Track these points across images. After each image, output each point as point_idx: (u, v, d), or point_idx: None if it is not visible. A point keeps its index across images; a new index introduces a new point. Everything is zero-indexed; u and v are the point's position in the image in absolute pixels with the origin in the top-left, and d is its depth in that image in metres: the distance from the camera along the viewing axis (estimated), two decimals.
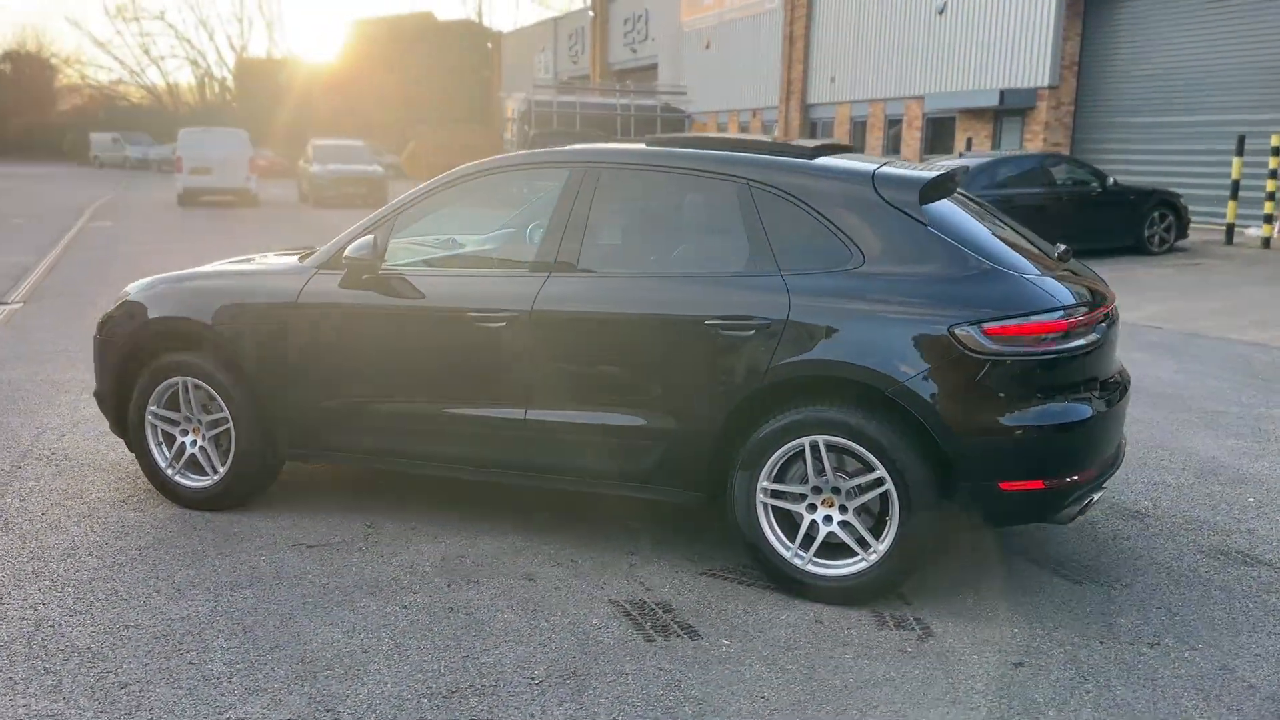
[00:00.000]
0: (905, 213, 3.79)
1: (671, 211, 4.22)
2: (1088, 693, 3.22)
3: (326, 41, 64.46)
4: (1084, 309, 3.76)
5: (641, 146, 4.28)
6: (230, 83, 68.57)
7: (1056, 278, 3.87)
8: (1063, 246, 4.31)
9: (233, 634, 3.48)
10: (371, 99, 51.70)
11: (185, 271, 4.91)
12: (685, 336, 3.87)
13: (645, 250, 4.15)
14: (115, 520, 4.51)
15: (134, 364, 4.74)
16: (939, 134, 24.27)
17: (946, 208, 3.94)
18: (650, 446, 3.97)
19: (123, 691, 3.11)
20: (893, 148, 25.69)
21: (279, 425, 4.50)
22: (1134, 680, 3.30)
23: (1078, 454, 3.70)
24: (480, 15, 70.45)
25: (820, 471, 3.77)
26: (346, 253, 4.29)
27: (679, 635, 3.54)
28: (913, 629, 3.62)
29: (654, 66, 38.16)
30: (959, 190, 4.33)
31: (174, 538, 4.34)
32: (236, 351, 4.49)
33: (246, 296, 4.54)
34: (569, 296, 4.04)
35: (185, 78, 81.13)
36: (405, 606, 3.71)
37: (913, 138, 24.89)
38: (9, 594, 3.76)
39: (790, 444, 3.76)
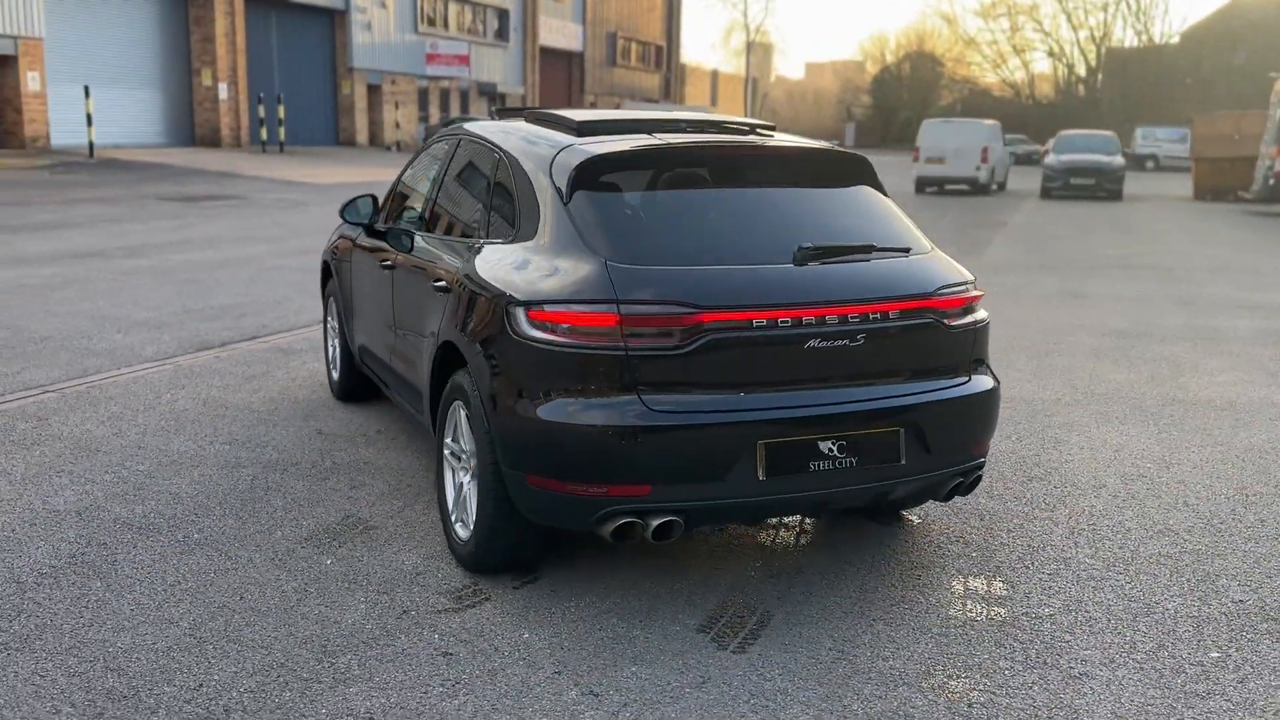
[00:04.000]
0: (557, 190, 3.65)
1: (471, 179, 4.49)
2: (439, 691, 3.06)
3: (1201, 25, 59.58)
4: (681, 309, 3.24)
5: (487, 121, 4.62)
6: (1086, 74, 68.02)
7: (711, 273, 3.37)
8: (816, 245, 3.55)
9: (141, 460, 4.97)
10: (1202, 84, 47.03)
11: None
12: (423, 293, 4.25)
13: (451, 213, 4.52)
14: (284, 395, 6.30)
15: (323, 287, 6.50)
16: None
17: (621, 193, 3.62)
18: (421, 391, 4.43)
19: (45, 471, 4.84)
20: None
21: (351, 341, 5.84)
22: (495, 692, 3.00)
23: (610, 463, 3.25)
24: None
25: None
26: (341, 209, 5.41)
27: (301, 555, 4.03)
28: (445, 602, 3.60)
29: None
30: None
31: (280, 409, 5.97)
32: (336, 282, 5.95)
33: (341, 239, 5.94)
34: (413, 249, 4.63)
35: (1042, 68, 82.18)
36: (237, 482, 4.76)
37: None
38: (144, 410, 5.77)
39: (452, 405, 3.94)
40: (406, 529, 4.25)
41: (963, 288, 3.72)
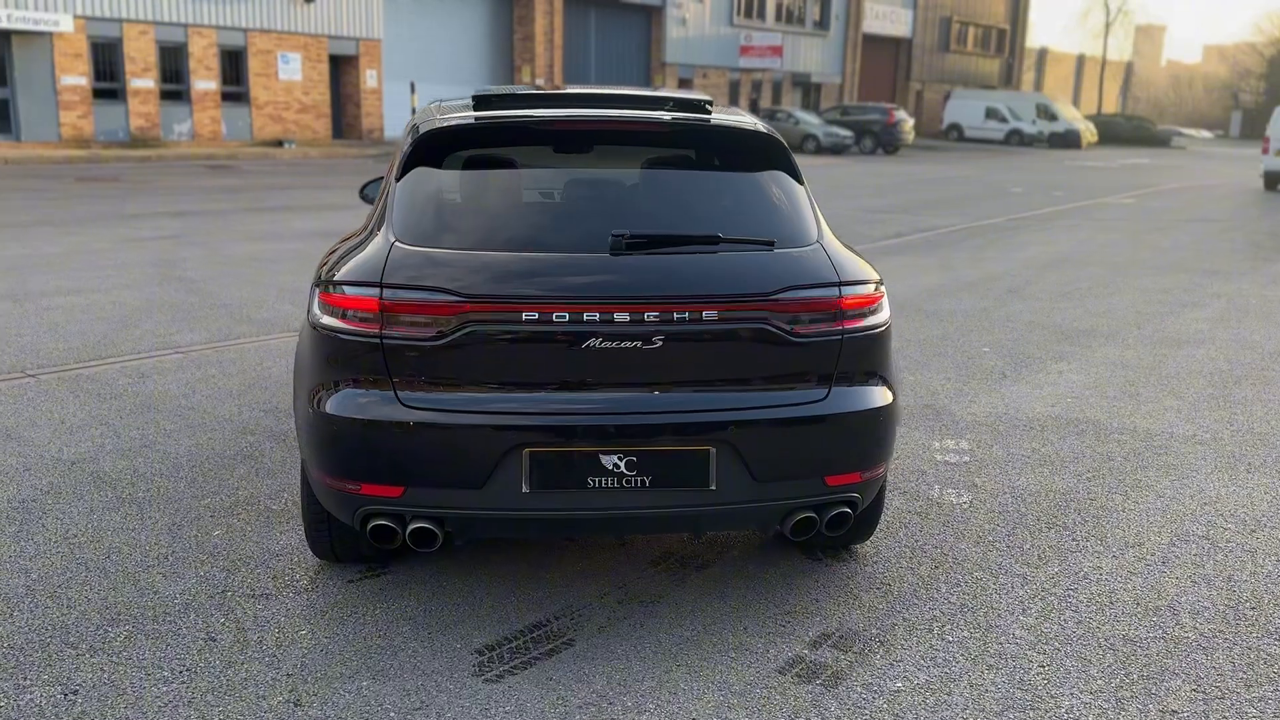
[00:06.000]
0: (397, 166, 3.45)
1: None
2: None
3: None
4: (443, 296, 2.95)
5: None
6: None
7: (499, 259, 3.06)
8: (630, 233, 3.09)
9: (175, 420, 5.30)
10: None
11: None
12: None
13: None
14: None
15: None
16: None
17: (449, 170, 3.36)
18: None
19: (92, 423, 5.32)
20: None
21: None
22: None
23: (361, 460, 3.02)
24: None
25: None
26: (361, 189, 5.45)
27: (202, 524, 4.14)
28: (270, 587, 3.53)
29: None
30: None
31: None
32: None
33: None
34: None
35: None
36: (229, 447, 4.97)
37: None
38: (231, 376, 6.20)
39: None
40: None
41: (829, 290, 3.10)
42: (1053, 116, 45.23)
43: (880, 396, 3.20)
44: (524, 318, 2.94)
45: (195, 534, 3.99)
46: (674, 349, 2.97)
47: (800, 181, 3.48)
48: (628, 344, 2.95)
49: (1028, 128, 44.59)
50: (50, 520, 4.09)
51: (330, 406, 3.06)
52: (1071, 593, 3.58)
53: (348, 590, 3.53)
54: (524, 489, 2.96)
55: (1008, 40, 55.52)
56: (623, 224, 3.15)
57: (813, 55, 43.10)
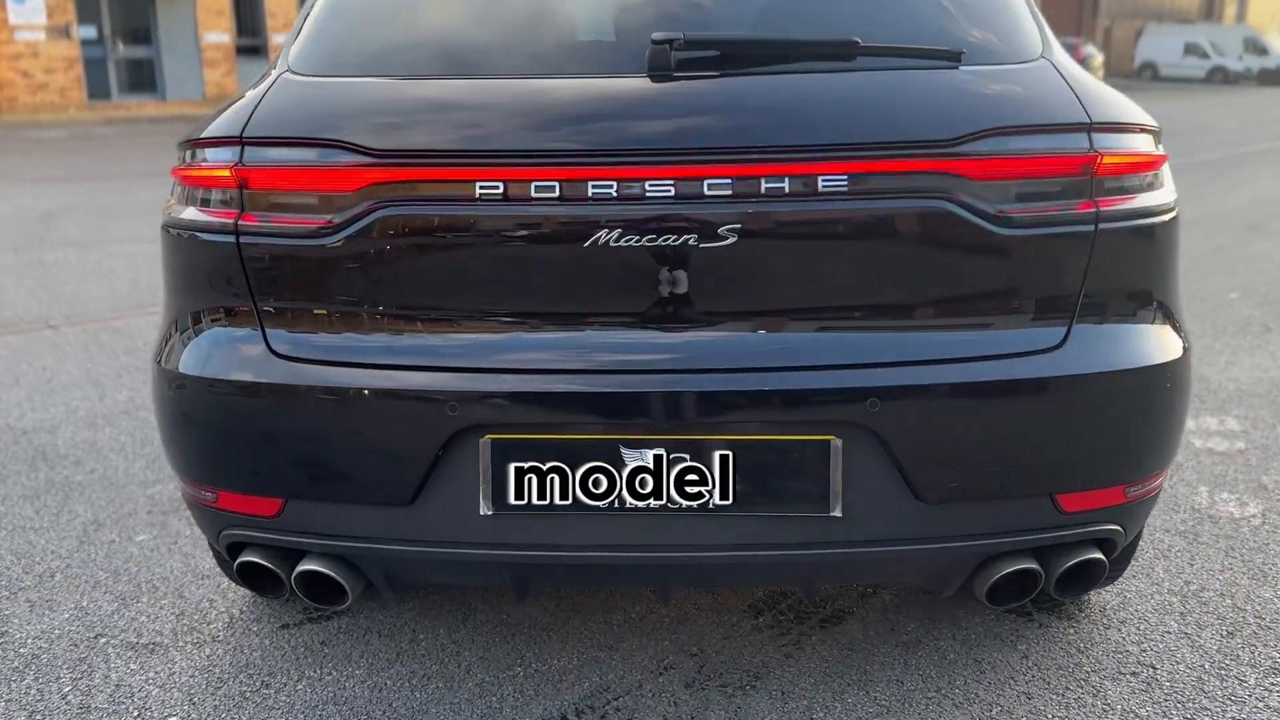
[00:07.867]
0: None
1: None
2: None
3: None
4: (336, 153, 1.63)
5: None
6: None
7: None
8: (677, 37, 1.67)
9: None
10: None
11: None
12: None
13: None
14: None
15: None
16: None
17: None
18: None
19: (82, 382, 4.30)
20: None
21: None
22: None
23: (213, 449, 1.77)
24: None
25: None
26: None
27: (132, 524, 3.00)
28: (165, 633, 2.32)
29: None
30: None
31: None
32: None
33: None
34: None
35: None
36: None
37: None
38: None
39: None
40: None
41: (1073, 136, 1.62)
42: (1262, 51, 40.50)
43: (1162, 344, 1.71)
44: (479, 192, 1.57)
45: (113, 538, 2.84)
46: (758, 249, 1.56)
47: None
48: (671, 240, 1.55)
49: (1233, 64, 40.07)
50: None
51: (175, 359, 1.79)
52: None
53: (273, 643, 2.29)
54: (483, 508, 1.61)
55: None
56: (682, 26, 1.75)
57: None
